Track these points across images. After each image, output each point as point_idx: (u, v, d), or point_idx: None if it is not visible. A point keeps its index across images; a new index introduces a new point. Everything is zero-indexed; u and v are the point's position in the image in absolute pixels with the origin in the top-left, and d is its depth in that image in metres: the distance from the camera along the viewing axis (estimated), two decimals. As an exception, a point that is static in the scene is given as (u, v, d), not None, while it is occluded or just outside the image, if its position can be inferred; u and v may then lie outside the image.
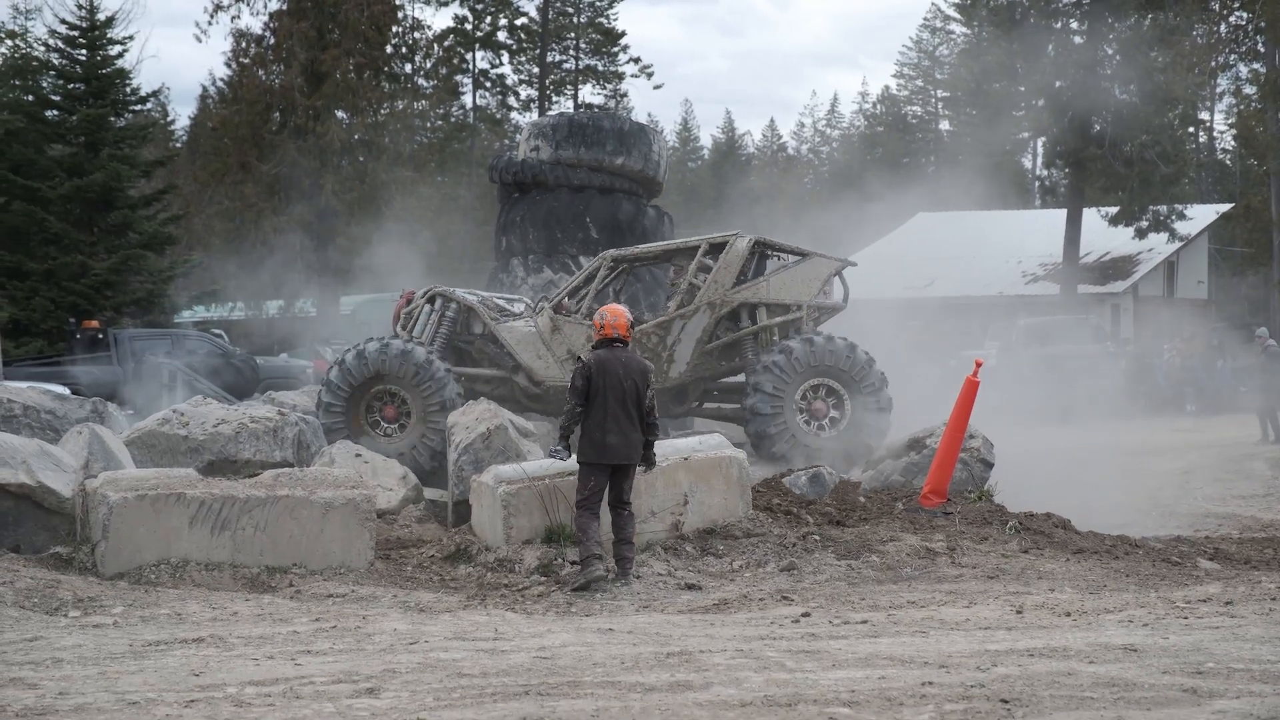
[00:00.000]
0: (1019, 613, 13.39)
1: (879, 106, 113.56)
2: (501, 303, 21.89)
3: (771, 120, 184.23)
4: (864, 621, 12.99)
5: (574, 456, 15.53)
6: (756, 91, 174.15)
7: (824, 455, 20.28)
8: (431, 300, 22.00)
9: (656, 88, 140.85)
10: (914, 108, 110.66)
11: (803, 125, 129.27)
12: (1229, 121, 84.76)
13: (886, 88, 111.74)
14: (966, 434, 18.96)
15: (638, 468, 15.62)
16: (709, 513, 16.83)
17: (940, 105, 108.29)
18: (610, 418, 15.24)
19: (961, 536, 17.06)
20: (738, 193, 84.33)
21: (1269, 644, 11.69)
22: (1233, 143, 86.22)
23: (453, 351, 21.79)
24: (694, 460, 16.88)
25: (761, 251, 21.80)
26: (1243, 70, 71.93)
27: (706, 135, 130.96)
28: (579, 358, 15.77)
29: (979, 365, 19.17)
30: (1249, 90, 72.28)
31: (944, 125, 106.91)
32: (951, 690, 9.88)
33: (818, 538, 16.81)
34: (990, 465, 19.83)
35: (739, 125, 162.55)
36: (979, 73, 65.04)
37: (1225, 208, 75.69)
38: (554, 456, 15.68)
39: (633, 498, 15.55)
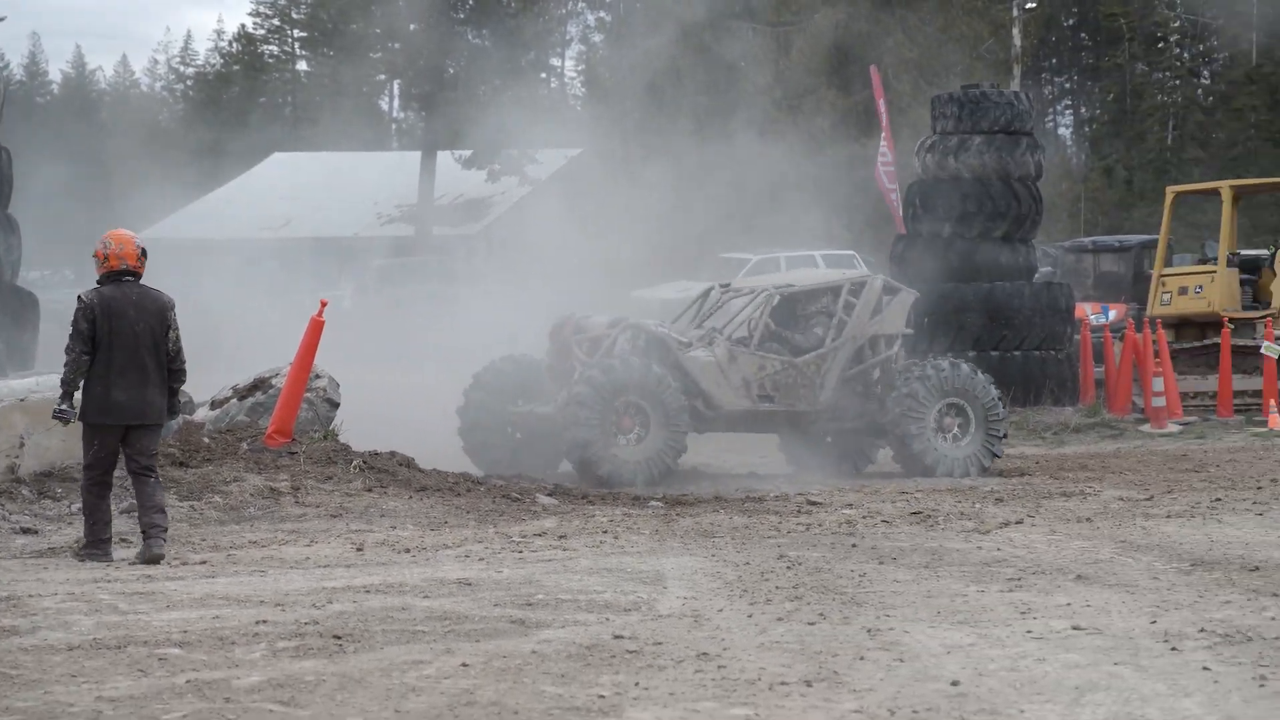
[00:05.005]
0: (359, 550, 13.56)
1: (235, 45, 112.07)
2: (675, 334, 22.92)
3: (124, 56, 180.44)
4: (203, 562, 12.95)
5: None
6: (109, 26, 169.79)
7: (958, 464, 21.91)
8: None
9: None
10: (271, 47, 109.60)
11: (156, 62, 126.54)
12: (579, 68, 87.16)
13: (243, 26, 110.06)
14: (312, 374, 18.98)
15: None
16: (48, 455, 16.38)
17: (298, 45, 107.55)
18: (116, 370, 13.15)
19: (306, 476, 17.08)
20: (90, 129, 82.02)
21: (597, 575, 12.15)
22: (582, 89, 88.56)
23: None
24: (31, 402, 16.39)
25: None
26: (590, 18, 74.08)
27: (56, 70, 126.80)
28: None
29: (324, 305, 19.24)
30: (597, 39, 74.45)
31: (302, 66, 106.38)
32: (285, 628, 9.92)
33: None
34: (336, 405, 19.88)
35: (90, 61, 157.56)
36: (335, 13, 65.12)
37: (575, 152, 77.69)
38: (59, 418, 13.60)
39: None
